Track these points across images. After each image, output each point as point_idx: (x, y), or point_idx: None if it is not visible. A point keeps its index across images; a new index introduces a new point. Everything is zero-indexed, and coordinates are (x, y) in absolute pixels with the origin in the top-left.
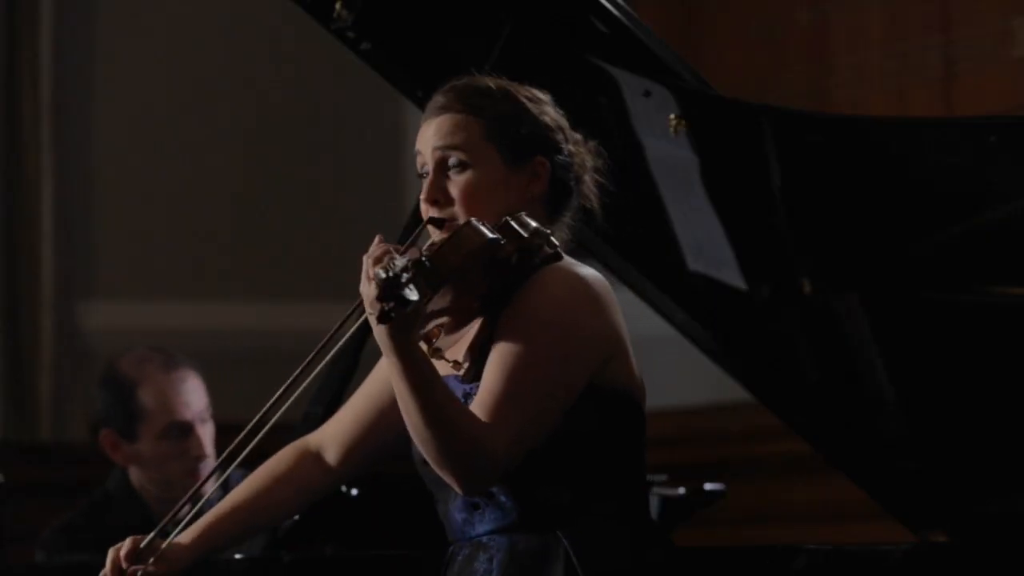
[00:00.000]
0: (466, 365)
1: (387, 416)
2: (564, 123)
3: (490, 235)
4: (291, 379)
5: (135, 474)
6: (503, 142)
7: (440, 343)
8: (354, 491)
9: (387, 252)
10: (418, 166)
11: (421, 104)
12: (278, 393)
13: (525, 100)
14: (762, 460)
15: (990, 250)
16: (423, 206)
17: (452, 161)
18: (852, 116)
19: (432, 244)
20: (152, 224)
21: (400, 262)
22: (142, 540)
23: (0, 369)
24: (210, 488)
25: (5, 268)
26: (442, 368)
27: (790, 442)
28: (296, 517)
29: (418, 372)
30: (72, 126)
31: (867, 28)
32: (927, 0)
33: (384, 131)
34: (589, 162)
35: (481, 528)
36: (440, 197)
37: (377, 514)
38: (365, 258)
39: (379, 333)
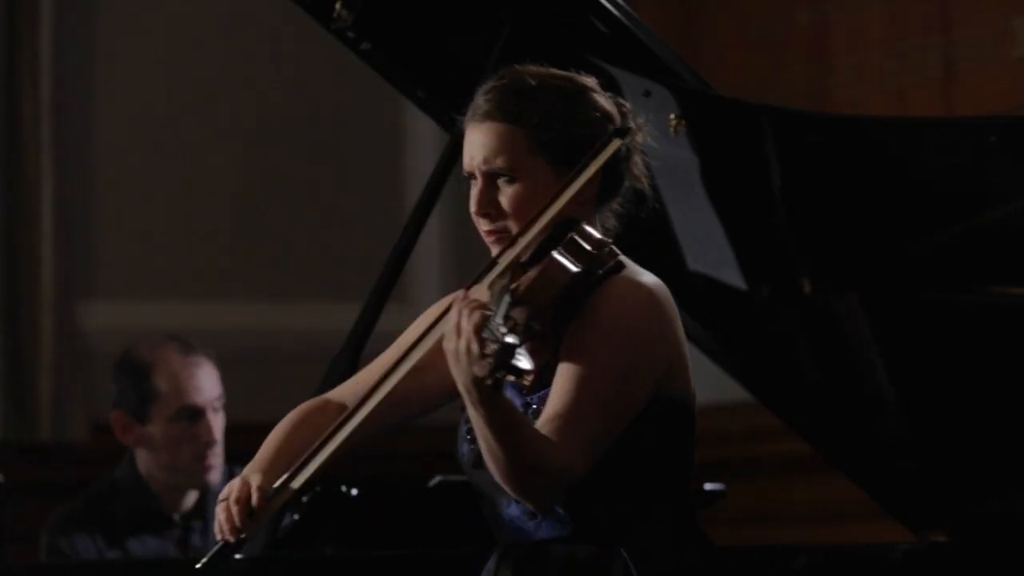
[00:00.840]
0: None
1: (411, 390)
2: (611, 108)
3: (574, 269)
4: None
5: (143, 460)
6: (549, 150)
7: None
8: (354, 491)
9: (483, 314)
10: (464, 168)
11: (421, 104)
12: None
13: (569, 97)
14: (762, 460)
15: (990, 250)
16: (475, 217)
17: (499, 174)
18: (852, 116)
19: (517, 287)
20: (152, 224)
21: (498, 321)
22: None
23: (0, 369)
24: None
25: (5, 268)
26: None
27: (790, 442)
28: (296, 517)
29: (502, 415)
30: (72, 126)
31: (867, 28)
32: (927, 0)
33: (384, 131)
34: (639, 140)
35: (538, 537)
36: (491, 210)
37: (377, 514)
38: (462, 321)
39: (472, 387)
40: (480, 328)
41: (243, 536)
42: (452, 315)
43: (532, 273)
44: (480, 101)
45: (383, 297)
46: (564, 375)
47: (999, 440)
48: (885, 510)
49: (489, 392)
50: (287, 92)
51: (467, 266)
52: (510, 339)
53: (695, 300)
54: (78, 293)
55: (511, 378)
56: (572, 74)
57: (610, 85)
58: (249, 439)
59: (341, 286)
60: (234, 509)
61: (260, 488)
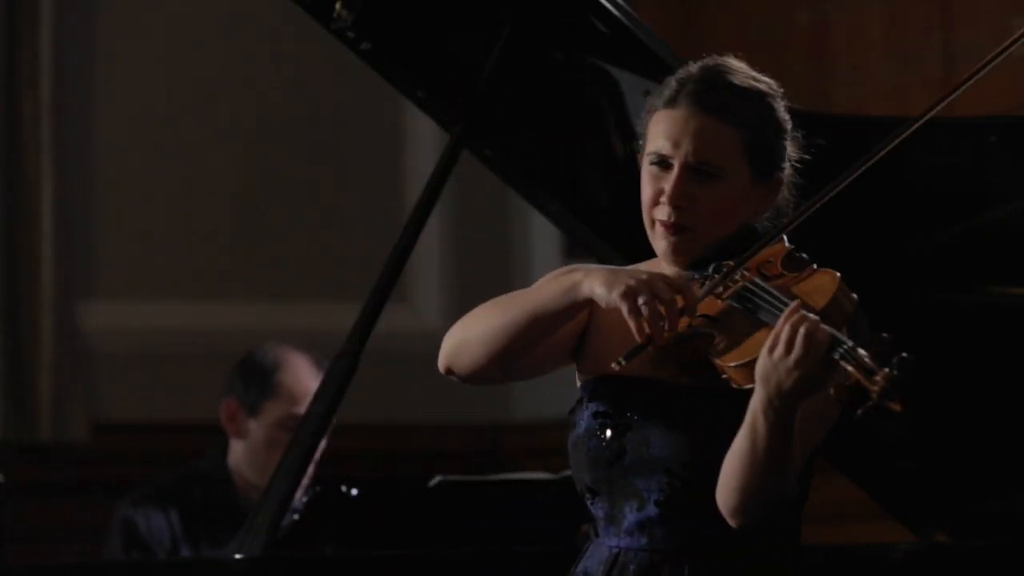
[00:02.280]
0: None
1: (561, 336)
2: (788, 116)
3: (852, 296)
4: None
5: (236, 452)
6: (755, 158)
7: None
8: (354, 491)
9: (827, 330)
10: (651, 155)
11: (421, 104)
12: None
13: (772, 103)
14: None
15: (990, 250)
16: (654, 202)
17: (704, 171)
18: (852, 116)
19: (818, 309)
20: (152, 224)
21: (855, 346)
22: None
23: (0, 369)
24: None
25: (5, 268)
26: (664, 372)
27: None
28: (296, 517)
29: (788, 432)
30: (72, 126)
31: (867, 28)
32: (927, 0)
33: (384, 131)
34: (794, 154)
35: (667, 543)
36: (684, 203)
37: (377, 514)
38: (807, 332)
39: (783, 400)
40: (819, 343)
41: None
42: (784, 326)
43: (818, 288)
44: (694, 88)
45: (383, 297)
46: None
47: (999, 440)
48: (885, 510)
49: (794, 406)
50: (287, 92)
51: (467, 266)
52: (896, 371)
53: None
54: (78, 293)
55: (897, 408)
56: (769, 79)
57: (610, 85)
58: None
59: (341, 286)
60: (663, 306)
61: (686, 287)
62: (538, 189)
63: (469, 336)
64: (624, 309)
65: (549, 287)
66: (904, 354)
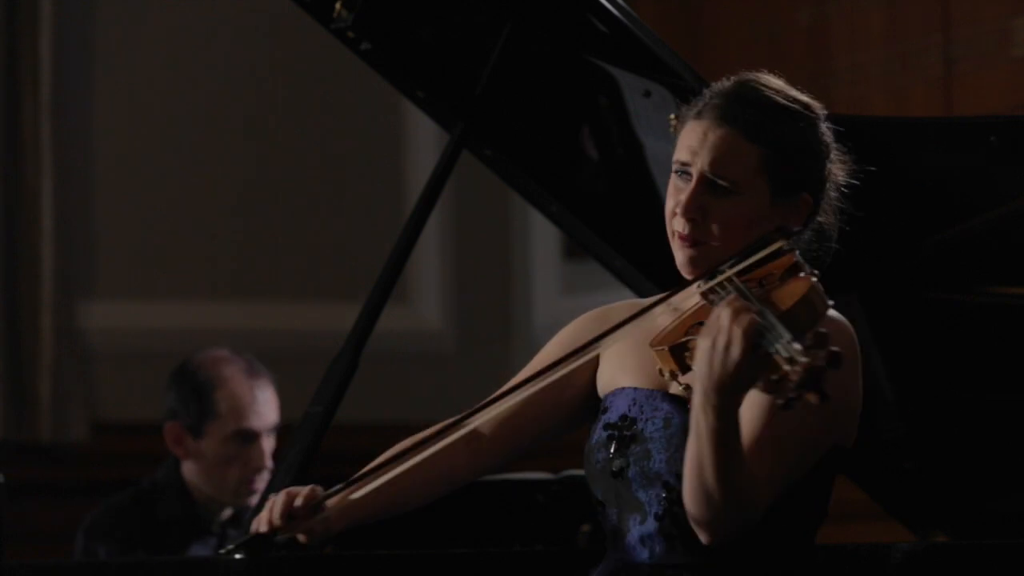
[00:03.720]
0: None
1: (558, 406)
2: (831, 139)
3: (829, 303)
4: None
5: (189, 471)
6: (776, 176)
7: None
8: None
9: (755, 319)
10: (675, 163)
11: (421, 104)
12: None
13: (807, 126)
14: None
15: (990, 250)
16: (673, 214)
17: (720, 184)
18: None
19: (776, 306)
20: (152, 224)
21: (783, 333)
22: (321, 493)
23: (0, 369)
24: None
25: (5, 268)
26: (672, 385)
27: None
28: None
29: (731, 429)
30: (72, 126)
31: (867, 28)
32: (927, 0)
33: (384, 131)
34: (840, 178)
35: (668, 560)
36: (698, 216)
37: None
38: (730, 320)
39: (716, 392)
40: (750, 331)
41: (275, 532)
42: (719, 313)
43: (790, 292)
44: (720, 101)
45: (383, 297)
46: (764, 406)
47: (999, 440)
48: (885, 510)
49: (729, 402)
50: (287, 92)
51: (467, 266)
52: (821, 361)
53: None
54: (78, 293)
55: (814, 400)
56: (810, 100)
57: (610, 85)
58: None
59: (341, 286)
60: (278, 501)
61: (313, 490)
62: (538, 189)
63: None
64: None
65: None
66: (835, 349)
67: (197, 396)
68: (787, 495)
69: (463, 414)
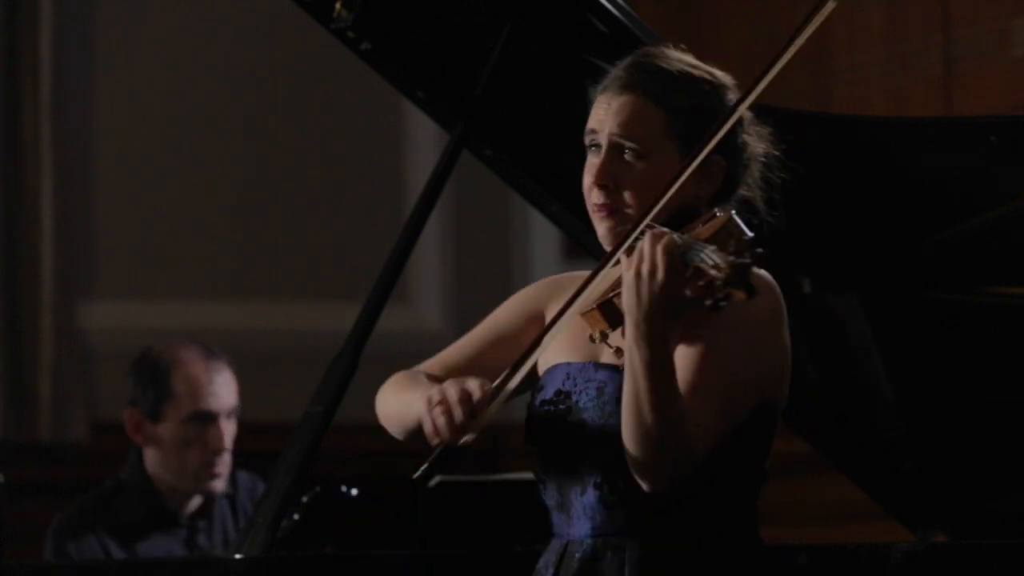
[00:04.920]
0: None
1: (492, 362)
2: (745, 111)
3: (750, 234)
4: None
5: (151, 460)
6: (683, 138)
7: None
8: (354, 491)
9: (672, 238)
10: (587, 138)
11: (421, 104)
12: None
13: (710, 90)
14: None
15: (990, 250)
16: (590, 188)
17: (627, 148)
18: (852, 116)
19: (702, 238)
20: (152, 224)
21: (701, 247)
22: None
23: (0, 369)
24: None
25: (5, 268)
26: (604, 353)
27: (790, 442)
28: (296, 517)
29: (666, 360)
30: (72, 126)
31: (867, 28)
32: (927, 0)
33: (384, 131)
34: (759, 149)
35: (609, 528)
36: (610, 183)
37: (377, 514)
38: (647, 245)
39: (646, 320)
40: (671, 249)
41: (465, 439)
42: (639, 246)
43: (709, 227)
44: (621, 73)
45: (383, 297)
46: (694, 351)
47: (999, 440)
48: (885, 510)
49: (662, 330)
50: (287, 92)
51: (467, 266)
52: (745, 259)
53: None
54: (78, 293)
55: (740, 297)
56: (714, 70)
57: None
58: (249, 439)
59: (341, 286)
60: (457, 408)
61: (482, 385)
62: (538, 189)
63: (381, 413)
64: (424, 420)
65: (417, 395)
66: (759, 250)
67: (154, 380)
68: (721, 454)
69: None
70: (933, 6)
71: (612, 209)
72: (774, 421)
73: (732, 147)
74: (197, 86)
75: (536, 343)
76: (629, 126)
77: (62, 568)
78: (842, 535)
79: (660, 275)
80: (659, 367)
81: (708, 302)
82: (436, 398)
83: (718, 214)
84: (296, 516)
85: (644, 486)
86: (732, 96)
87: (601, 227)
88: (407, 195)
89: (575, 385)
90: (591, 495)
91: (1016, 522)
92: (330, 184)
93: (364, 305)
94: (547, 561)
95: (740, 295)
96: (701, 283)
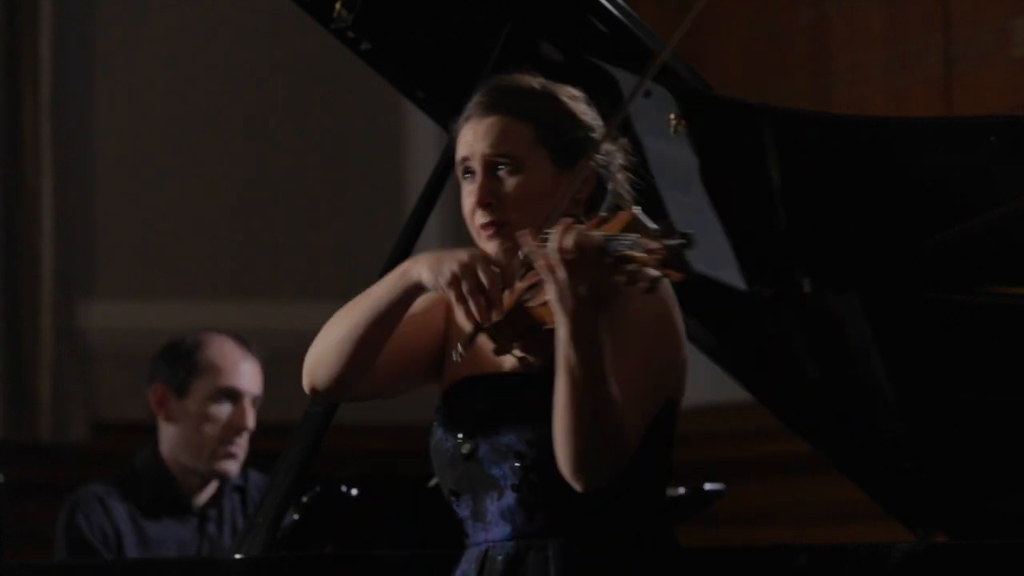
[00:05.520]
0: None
1: (416, 356)
2: (599, 121)
3: (652, 225)
4: None
5: (169, 440)
6: (553, 146)
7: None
8: (354, 491)
9: (582, 231)
10: (459, 169)
11: (421, 104)
12: None
13: (567, 100)
14: (762, 460)
15: (990, 250)
16: (472, 211)
17: (502, 164)
18: (852, 116)
19: (611, 230)
20: (152, 224)
21: (620, 236)
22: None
23: (0, 369)
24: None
25: (5, 268)
26: (507, 363)
27: (790, 442)
28: (296, 517)
29: (599, 354)
30: (72, 126)
31: (867, 28)
32: (927, 0)
33: (384, 131)
34: (620, 160)
35: (529, 529)
36: (492, 200)
37: (377, 514)
38: (564, 240)
39: (577, 313)
40: (589, 241)
41: (493, 320)
42: (551, 248)
43: (616, 223)
44: (481, 99)
45: None
46: (613, 354)
47: (999, 440)
48: (885, 510)
49: (594, 326)
50: (287, 92)
51: None
52: (679, 240)
53: (695, 300)
54: (78, 293)
55: (678, 277)
56: (565, 85)
57: (610, 85)
58: (249, 438)
59: (341, 286)
60: (489, 282)
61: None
62: None
63: (321, 349)
64: (452, 296)
65: (382, 281)
66: (688, 232)
67: (184, 355)
68: (637, 451)
69: None
70: (933, 6)
71: (499, 226)
72: (676, 415)
73: (595, 149)
74: (197, 86)
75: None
76: (500, 144)
77: (62, 568)
78: (842, 535)
79: (589, 269)
80: (597, 362)
81: (644, 285)
82: (467, 281)
83: (620, 211)
84: (296, 516)
85: (577, 486)
86: (586, 108)
87: (490, 247)
88: (407, 195)
89: (483, 396)
90: (509, 498)
91: (1016, 522)
92: (330, 184)
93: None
94: (465, 571)
95: (675, 276)
96: (632, 267)
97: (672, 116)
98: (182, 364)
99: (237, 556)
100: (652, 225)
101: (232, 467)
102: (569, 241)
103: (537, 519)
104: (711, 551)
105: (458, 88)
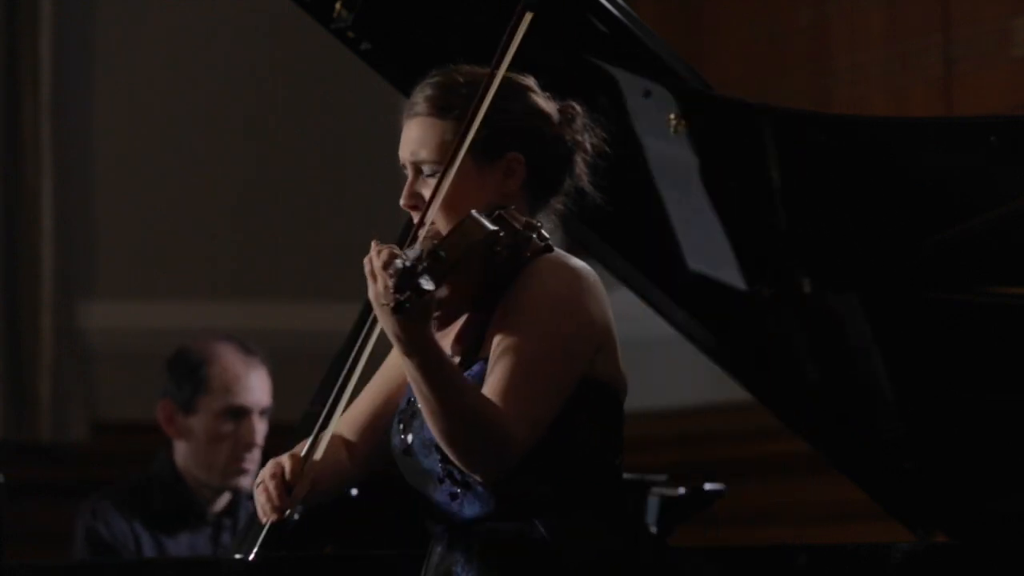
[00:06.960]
0: (456, 359)
1: (381, 415)
2: (550, 108)
3: (490, 226)
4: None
5: (181, 454)
6: (476, 142)
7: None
8: (354, 491)
9: (391, 251)
10: (401, 162)
11: None
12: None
13: (500, 94)
14: (762, 460)
15: (990, 250)
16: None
17: (424, 165)
18: (852, 116)
19: (434, 237)
20: (152, 224)
21: (412, 254)
22: (298, 457)
23: (0, 369)
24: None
25: (5, 268)
26: (468, 351)
27: (790, 442)
28: (296, 517)
29: (439, 365)
30: (72, 126)
31: (867, 28)
32: (927, 0)
33: (384, 131)
34: (581, 140)
35: (462, 517)
36: (417, 202)
37: (377, 514)
38: (367, 260)
39: (395, 329)
40: (388, 264)
41: (287, 513)
42: (369, 260)
43: (451, 228)
44: (412, 98)
45: None
46: (503, 351)
47: (999, 440)
48: (885, 510)
49: (418, 336)
50: (287, 92)
51: None
52: (409, 262)
53: (695, 299)
54: (78, 293)
55: (430, 288)
56: (510, 74)
57: (610, 85)
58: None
59: (341, 286)
60: (270, 485)
61: (293, 457)
62: None
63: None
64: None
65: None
66: (408, 263)
67: (190, 372)
68: (550, 433)
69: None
70: (933, 6)
71: (424, 227)
72: (607, 397)
73: (534, 142)
74: (197, 86)
75: (334, 403)
76: (421, 146)
77: (62, 568)
78: (842, 535)
79: (379, 289)
80: (435, 368)
81: (390, 304)
82: (257, 480)
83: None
84: (296, 516)
85: (479, 480)
86: (527, 96)
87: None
88: None
89: (409, 402)
90: (443, 489)
91: (1016, 522)
92: (330, 184)
93: (364, 305)
94: (428, 564)
95: (427, 284)
96: (400, 281)
97: (672, 116)
98: (188, 380)
99: (237, 556)
100: (489, 226)
101: (245, 482)
102: (369, 265)
103: (465, 507)
104: (711, 551)
105: None
